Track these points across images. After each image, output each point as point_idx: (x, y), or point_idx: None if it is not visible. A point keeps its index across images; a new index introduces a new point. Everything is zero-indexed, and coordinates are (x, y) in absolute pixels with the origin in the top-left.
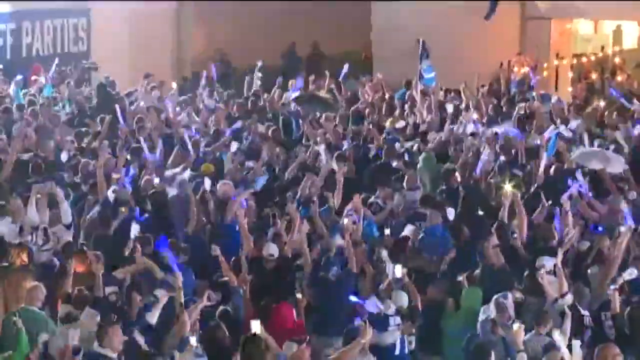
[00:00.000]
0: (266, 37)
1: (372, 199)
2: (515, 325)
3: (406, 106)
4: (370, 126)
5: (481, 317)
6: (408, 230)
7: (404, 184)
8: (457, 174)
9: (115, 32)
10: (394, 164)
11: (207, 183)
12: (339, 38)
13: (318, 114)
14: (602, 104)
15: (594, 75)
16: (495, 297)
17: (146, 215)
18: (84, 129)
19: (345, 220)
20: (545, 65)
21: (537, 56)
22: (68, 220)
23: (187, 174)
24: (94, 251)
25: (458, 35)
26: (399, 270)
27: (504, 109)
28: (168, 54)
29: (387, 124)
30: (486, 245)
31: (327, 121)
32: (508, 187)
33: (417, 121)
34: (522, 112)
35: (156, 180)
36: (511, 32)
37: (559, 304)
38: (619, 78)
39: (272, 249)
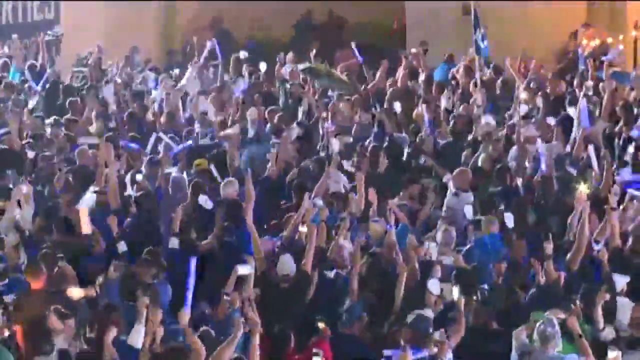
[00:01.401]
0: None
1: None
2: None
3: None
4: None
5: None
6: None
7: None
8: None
9: None
10: (422, 161)
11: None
12: (364, 3)
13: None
14: None
15: None
16: (539, 324)
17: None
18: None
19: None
20: (620, 37)
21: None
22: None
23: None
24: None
25: (511, 2)
26: (456, 293)
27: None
28: (153, 23)
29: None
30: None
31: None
32: (584, 188)
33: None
34: (590, 92)
35: (139, 177)
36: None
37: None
38: None
39: (287, 264)
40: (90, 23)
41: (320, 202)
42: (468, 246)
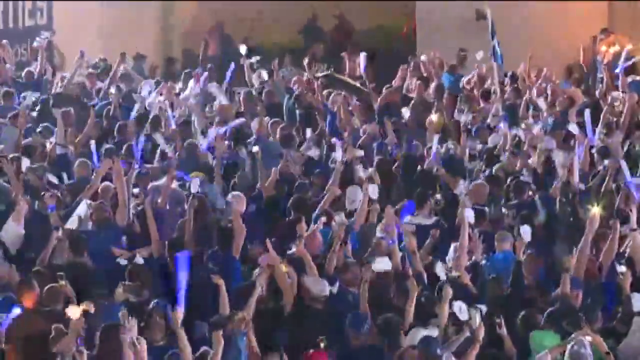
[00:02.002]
0: (278, 8)
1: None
2: None
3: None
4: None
5: None
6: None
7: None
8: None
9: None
10: (435, 170)
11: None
12: (372, 7)
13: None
14: None
15: None
16: (570, 345)
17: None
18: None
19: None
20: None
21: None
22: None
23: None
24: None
25: (530, 7)
26: (465, 313)
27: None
28: (150, 28)
29: (427, 123)
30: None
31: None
32: (596, 209)
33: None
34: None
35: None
36: (597, 4)
37: None
38: None
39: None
40: (84, 28)
41: (342, 218)
42: (481, 262)
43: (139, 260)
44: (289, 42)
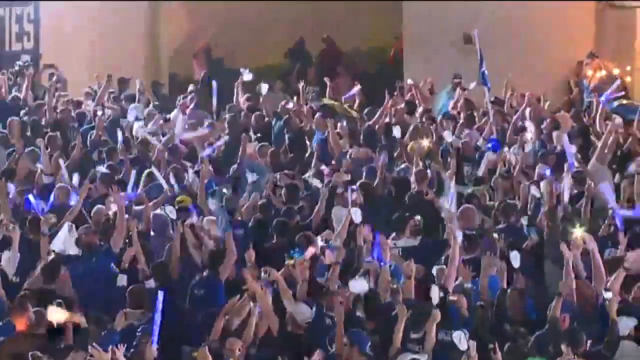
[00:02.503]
0: (266, 30)
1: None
2: None
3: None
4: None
5: None
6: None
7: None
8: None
9: (73, 24)
10: (429, 196)
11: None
12: (361, 31)
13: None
14: None
15: None
16: None
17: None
18: None
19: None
20: (628, 68)
21: (618, 57)
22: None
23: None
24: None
25: (514, 29)
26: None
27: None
28: (138, 51)
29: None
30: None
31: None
32: (578, 232)
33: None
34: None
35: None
36: (584, 26)
37: None
38: None
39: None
40: (71, 51)
41: (338, 243)
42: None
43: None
44: (280, 64)
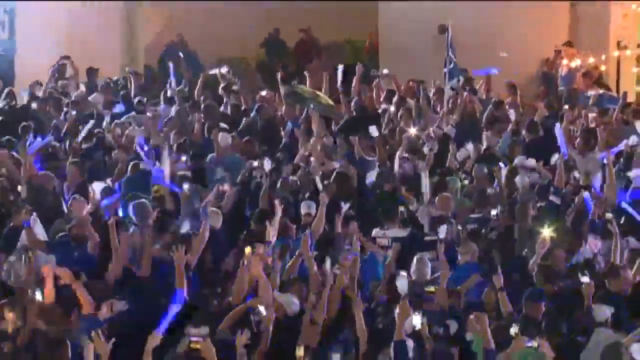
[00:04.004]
0: (241, 21)
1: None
2: None
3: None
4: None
5: None
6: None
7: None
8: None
9: (49, 16)
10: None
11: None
12: (337, 22)
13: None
14: None
15: None
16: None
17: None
18: None
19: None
20: (603, 57)
21: (593, 47)
22: None
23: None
24: None
25: (489, 20)
26: (417, 321)
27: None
28: (115, 43)
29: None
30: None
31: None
32: (546, 232)
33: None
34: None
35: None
36: (559, 16)
37: None
38: None
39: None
40: (47, 41)
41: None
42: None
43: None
44: (255, 56)
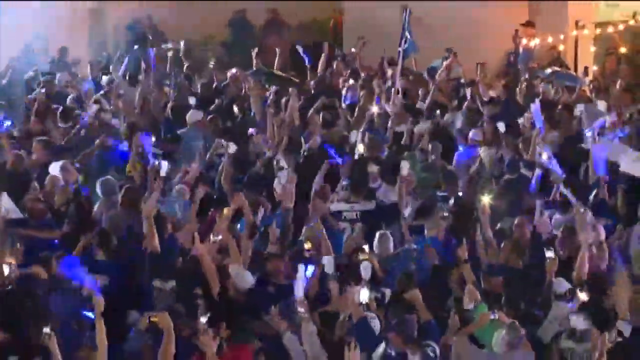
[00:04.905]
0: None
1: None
2: None
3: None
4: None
5: None
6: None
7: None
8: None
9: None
10: (370, 169)
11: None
12: (303, 2)
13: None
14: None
15: (622, 49)
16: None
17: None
18: None
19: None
20: (561, 37)
21: (552, 27)
22: None
23: None
24: None
25: (449, 3)
26: (365, 294)
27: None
28: (86, 21)
29: None
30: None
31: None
32: (486, 200)
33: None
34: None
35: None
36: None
37: None
38: None
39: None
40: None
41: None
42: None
43: None
44: (219, 35)
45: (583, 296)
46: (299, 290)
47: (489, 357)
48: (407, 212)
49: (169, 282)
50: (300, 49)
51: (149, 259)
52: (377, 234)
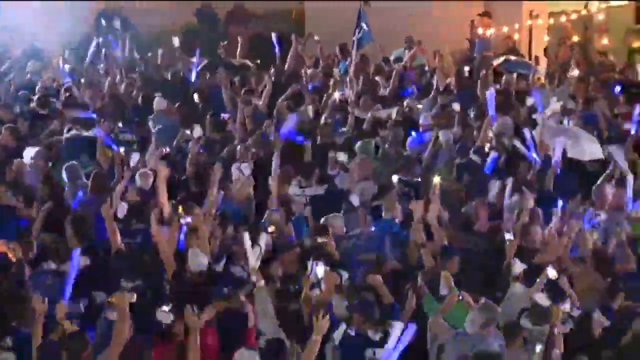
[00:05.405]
0: None
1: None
2: None
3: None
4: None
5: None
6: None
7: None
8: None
9: None
10: (331, 154)
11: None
12: None
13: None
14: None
15: (575, 38)
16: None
17: None
18: None
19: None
20: (516, 26)
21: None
22: None
23: None
24: None
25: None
26: (321, 271)
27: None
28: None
29: None
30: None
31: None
32: (437, 179)
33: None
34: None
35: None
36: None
37: None
38: (605, 41)
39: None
40: None
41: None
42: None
43: None
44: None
45: (552, 273)
46: (252, 260)
47: (464, 337)
48: (354, 199)
49: (135, 282)
50: (274, 38)
51: (114, 258)
52: (327, 218)
